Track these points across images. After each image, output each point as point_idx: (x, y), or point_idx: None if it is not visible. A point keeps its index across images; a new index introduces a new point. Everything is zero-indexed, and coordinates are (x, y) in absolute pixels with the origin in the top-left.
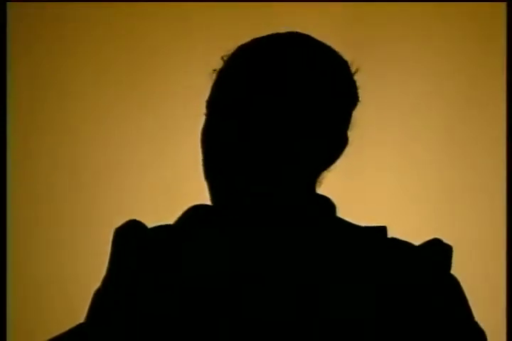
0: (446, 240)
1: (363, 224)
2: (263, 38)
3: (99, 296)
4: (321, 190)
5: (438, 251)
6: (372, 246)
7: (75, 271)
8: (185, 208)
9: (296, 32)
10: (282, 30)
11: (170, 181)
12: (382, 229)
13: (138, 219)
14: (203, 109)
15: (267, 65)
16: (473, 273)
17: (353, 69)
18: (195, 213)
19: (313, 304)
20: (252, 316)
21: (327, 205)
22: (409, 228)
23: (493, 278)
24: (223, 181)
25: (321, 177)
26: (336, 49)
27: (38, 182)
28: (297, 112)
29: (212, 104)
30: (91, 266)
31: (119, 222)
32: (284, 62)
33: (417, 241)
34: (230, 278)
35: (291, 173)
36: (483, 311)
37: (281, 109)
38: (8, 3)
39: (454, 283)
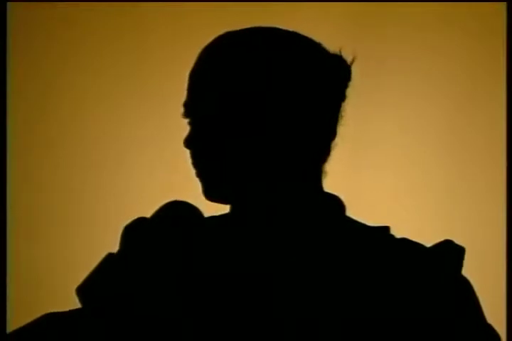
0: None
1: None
2: (231, 34)
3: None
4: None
5: (449, 252)
6: (382, 246)
7: (78, 272)
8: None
9: (265, 27)
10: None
11: (172, 181)
12: (381, 227)
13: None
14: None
15: (242, 63)
16: (474, 273)
17: (342, 60)
18: (190, 209)
19: (321, 304)
20: (256, 315)
21: (335, 204)
22: (411, 227)
23: (493, 278)
24: (220, 179)
25: (323, 171)
26: (336, 48)
27: (39, 183)
28: (281, 109)
29: (188, 106)
30: (93, 265)
31: (122, 222)
32: (261, 58)
33: (419, 241)
34: (236, 278)
35: (284, 169)
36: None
37: (264, 106)
38: (8, 3)
39: (465, 285)
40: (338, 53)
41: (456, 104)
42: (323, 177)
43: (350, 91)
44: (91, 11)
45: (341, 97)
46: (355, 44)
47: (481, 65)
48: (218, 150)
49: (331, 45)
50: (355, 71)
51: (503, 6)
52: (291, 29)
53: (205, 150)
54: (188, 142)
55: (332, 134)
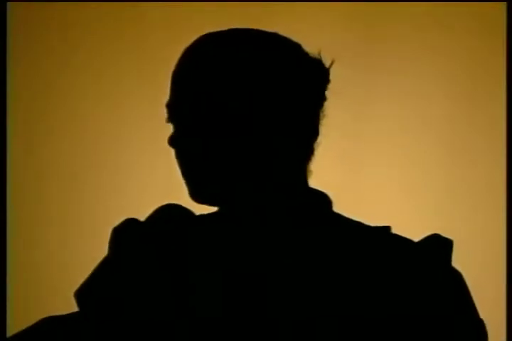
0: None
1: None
2: (213, 35)
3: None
4: (321, 187)
5: (437, 245)
6: (371, 241)
7: (77, 273)
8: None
9: (247, 29)
10: (282, 30)
11: (172, 181)
12: (382, 227)
13: (137, 217)
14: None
15: (225, 63)
16: (473, 274)
17: (324, 63)
18: (182, 212)
19: (314, 302)
20: (253, 315)
21: (322, 200)
22: (411, 227)
23: (493, 278)
24: (206, 180)
25: (308, 170)
26: (336, 48)
27: (39, 183)
28: (264, 109)
29: (171, 107)
30: (93, 267)
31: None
32: (244, 59)
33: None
34: (229, 278)
35: (270, 168)
36: (483, 311)
37: (248, 106)
38: (8, 3)
39: (455, 277)
40: (317, 55)
41: (456, 104)
42: (308, 175)
43: (347, 91)
44: (91, 11)
45: (321, 98)
46: (355, 44)
47: (481, 65)
48: (203, 151)
49: (331, 45)
50: (356, 70)
51: (503, 6)
52: (271, 30)
53: (189, 150)
54: (172, 142)
55: (314, 134)
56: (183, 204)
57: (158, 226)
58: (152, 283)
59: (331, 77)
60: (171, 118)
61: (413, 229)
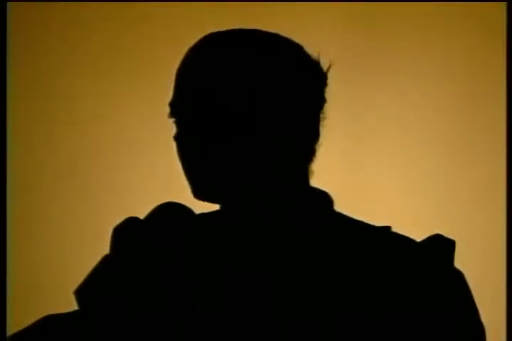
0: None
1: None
2: (216, 35)
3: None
4: (321, 187)
5: (439, 246)
6: (372, 240)
7: (77, 274)
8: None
9: (250, 29)
10: (282, 30)
11: (173, 182)
12: (383, 227)
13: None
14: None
15: (229, 63)
16: (473, 273)
17: (323, 67)
18: (182, 210)
19: (315, 301)
20: (254, 314)
21: (323, 199)
22: (411, 227)
23: (493, 278)
24: (208, 179)
25: (309, 171)
26: (336, 48)
27: (39, 183)
28: (267, 109)
29: (174, 105)
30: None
31: None
32: (246, 59)
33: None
34: (230, 277)
35: (274, 168)
36: (483, 311)
37: (250, 106)
38: (8, 3)
39: (457, 277)
40: (317, 58)
41: (456, 104)
42: (310, 176)
43: (348, 92)
44: (91, 11)
45: (321, 100)
46: (355, 44)
47: (481, 65)
48: (205, 150)
49: (331, 45)
50: (356, 70)
51: (503, 6)
52: (272, 30)
53: (191, 149)
54: (175, 139)
55: (315, 135)
56: (184, 204)
57: (157, 223)
58: (150, 281)
59: (331, 78)
60: (173, 117)
61: (413, 229)
